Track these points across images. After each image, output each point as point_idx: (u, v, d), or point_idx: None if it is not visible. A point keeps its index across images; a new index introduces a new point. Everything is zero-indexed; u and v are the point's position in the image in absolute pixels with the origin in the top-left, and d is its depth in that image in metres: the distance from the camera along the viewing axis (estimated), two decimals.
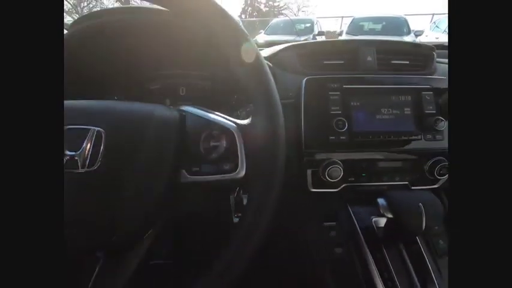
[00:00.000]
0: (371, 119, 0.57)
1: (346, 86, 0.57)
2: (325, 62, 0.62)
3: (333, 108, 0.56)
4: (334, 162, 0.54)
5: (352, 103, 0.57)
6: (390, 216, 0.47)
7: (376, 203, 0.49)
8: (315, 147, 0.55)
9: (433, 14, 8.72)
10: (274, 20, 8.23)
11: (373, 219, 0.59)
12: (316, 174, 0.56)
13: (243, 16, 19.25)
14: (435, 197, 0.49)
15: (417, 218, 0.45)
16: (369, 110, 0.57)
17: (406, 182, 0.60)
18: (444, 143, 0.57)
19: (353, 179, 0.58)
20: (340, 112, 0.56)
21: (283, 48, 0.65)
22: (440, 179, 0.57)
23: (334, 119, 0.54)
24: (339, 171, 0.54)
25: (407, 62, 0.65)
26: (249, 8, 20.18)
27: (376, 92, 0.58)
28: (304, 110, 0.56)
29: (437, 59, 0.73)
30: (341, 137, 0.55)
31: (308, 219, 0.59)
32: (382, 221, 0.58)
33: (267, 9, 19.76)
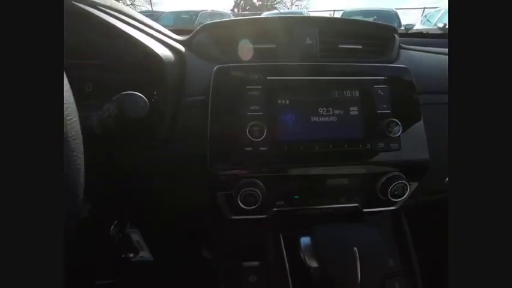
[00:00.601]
0: (304, 123, 0.42)
1: (271, 78, 0.42)
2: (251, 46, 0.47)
3: (251, 108, 0.41)
4: (251, 184, 0.40)
5: (278, 101, 0.42)
6: (315, 265, 0.32)
7: (298, 245, 0.34)
8: (224, 163, 0.40)
9: (424, 8, 8.60)
10: (264, 14, 8.01)
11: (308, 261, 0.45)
12: (230, 197, 0.41)
13: (235, 10, 18.83)
14: (379, 236, 0.35)
15: (350, 271, 0.31)
16: (301, 111, 0.42)
17: (356, 204, 0.46)
18: (401, 154, 0.43)
19: (282, 202, 0.44)
20: (260, 114, 0.41)
21: (199, 29, 0.50)
22: (396, 201, 0.43)
23: (249, 123, 0.39)
24: (256, 196, 0.39)
25: (360, 47, 0.50)
26: (242, 2, 19.73)
27: (313, 85, 0.44)
28: (211, 110, 0.41)
29: (405, 45, 0.58)
30: (261, 148, 0.40)
31: (223, 255, 0.45)
32: None
33: (260, 3, 19.34)
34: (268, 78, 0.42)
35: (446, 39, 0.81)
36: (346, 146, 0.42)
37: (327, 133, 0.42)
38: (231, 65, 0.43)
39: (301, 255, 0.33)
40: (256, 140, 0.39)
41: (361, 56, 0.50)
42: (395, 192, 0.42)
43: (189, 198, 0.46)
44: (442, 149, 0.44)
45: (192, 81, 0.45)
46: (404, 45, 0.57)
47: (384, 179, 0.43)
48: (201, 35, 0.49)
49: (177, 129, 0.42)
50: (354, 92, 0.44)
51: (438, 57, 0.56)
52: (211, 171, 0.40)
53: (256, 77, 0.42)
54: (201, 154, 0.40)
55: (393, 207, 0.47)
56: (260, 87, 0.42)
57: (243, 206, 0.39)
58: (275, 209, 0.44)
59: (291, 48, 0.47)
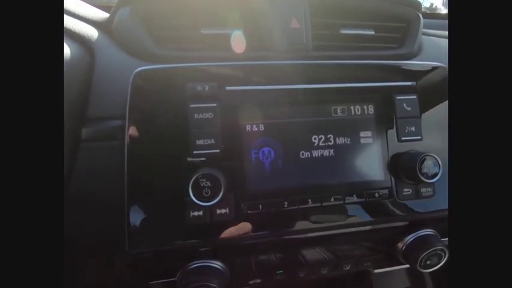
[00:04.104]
0: (289, 162, 0.26)
1: (233, 89, 0.25)
2: (203, 32, 0.29)
3: (198, 143, 0.24)
4: (203, 270, 0.24)
5: (246, 128, 0.25)
6: None
7: None
8: (153, 241, 0.23)
9: None
10: None
11: None
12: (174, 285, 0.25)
13: None
14: None
15: None
16: (284, 143, 0.26)
17: (365, 268, 0.32)
18: (436, 203, 0.28)
19: (259, 281, 0.29)
20: (215, 152, 0.24)
21: (120, 1, 0.30)
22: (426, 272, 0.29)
23: (194, 175, 0.22)
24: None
25: (372, 33, 0.33)
26: None
27: (302, 99, 0.27)
28: (128, 149, 0.24)
29: (427, 30, 0.42)
30: (218, 211, 0.24)
31: None
32: None
33: None
34: (228, 89, 0.25)
35: None
36: (355, 196, 0.26)
37: (325, 176, 0.26)
38: (160, 66, 0.25)
39: None
40: (206, 204, 0.22)
41: (372, 48, 0.33)
42: (428, 262, 0.28)
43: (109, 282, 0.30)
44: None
45: (103, 93, 0.26)
46: (427, 30, 0.41)
47: (409, 240, 0.28)
48: (123, 12, 0.30)
49: (76, 175, 0.25)
50: (366, 107, 0.28)
51: None
52: (133, 255, 0.23)
53: (207, 87, 0.25)
54: (116, 220, 0.24)
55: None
56: (215, 105, 0.25)
57: None
58: None
59: (267, 35, 0.30)
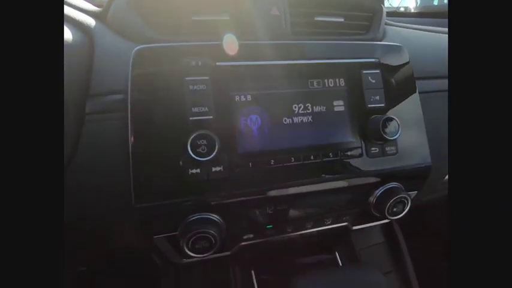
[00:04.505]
0: (274, 128, 0.30)
1: (223, 64, 0.29)
2: (194, 19, 0.33)
3: (194, 110, 0.28)
4: (203, 222, 0.27)
5: (235, 98, 0.29)
6: None
7: None
8: (157, 195, 0.27)
9: None
10: None
11: None
12: (176, 239, 0.29)
13: None
14: (382, 277, 0.26)
15: None
16: (269, 110, 0.30)
17: (345, 223, 0.36)
18: (398, 160, 0.33)
19: (251, 235, 0.32)
20: (209, 118, 0.28)
21: None
22: (397, 218, 0.34)
23: (192, 134, 0.26)
24: (210, 239, 0.27)
25: (342, 20, 0.38)
26: None
27: (284, 73, 0.31)
28: (132, 117, 0.27)
29: (390, 21, 0.48)
30: (214, 169, 0.27)
31: None
32: None
33: None
34: (218, 64, 0.29)
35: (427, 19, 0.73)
36: (331, 154, 0.31)
37: (305, 139, 0.31)
38: (158, 45, 0.29)
39: None
40: (203, 159, 0.26)
41: (343, 33, 0.38)
42: (394, 209, 0.33)
43: (119, 243, 0.32)
44: (441, 146, 0.36)
45: (104, 72, 0.29)
46: (390, 21, 0.47)
47: (378, 192, 0.33)
48: (118, 2, 0.33)
49: (82, 146, 0.27)
50: (338, 80, 0.32)
51: (429, 35, 0.47)
52: (139, 210, 0.26)
53: (200, 62, 0.28)
54: (122, 182, 0.27)
55: (387, 220, 0.38)
56: (207, 78, 0.28)
57: (193, 254, 0.27)
58: (242, 244, 0.33)
59: (251, 21, 0.34)
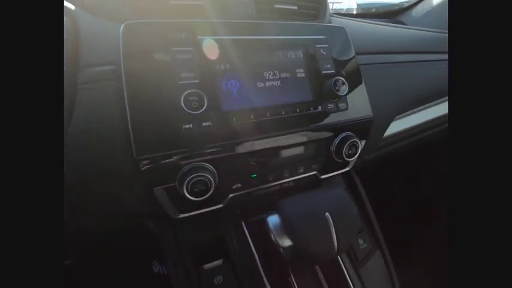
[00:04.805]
0: (250, 90, 0.36)
1: (202, 38, 0.35)
2: (172, 3, 0.38)
3: (182, 75, 0.32)
4: (198, 169, 0.32)
5: (216, 66, 0.35)
6: (287, 243, 0.28)
7: (267, 226, 0.29)
8: (157, 148, 0.30)
9: None
10: None
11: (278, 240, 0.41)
12: (174, 191, 0.32)
13: None
14: (345, 194, 0.33)
15: (325, 240, 0.27)
16: (245, 76, 0.36)
17: (314, 172, 0.44)
18: (349, 113, 0.42)
19: (239, 185, 0.38)
20: (196, 82, 0.33)
21: None
22: (350, 161, 0.43)
23: (184, 92, 0.31)
24: (207, 183, 0.31)
25: (296, 8, 0.47)
26: None
27: (255, 46, 0.38)
28: (127, 82, 0.30)
29: (335, 14, 0.59)
30: (204, 123, 0.32)
31: (175, 263, 0.36)
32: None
33: None
34: (199, 37, 0.34)
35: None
36: (298, 110, 0.38)
37: (276, 98, 0.38)
38: (145, 20, 0.33)
39: (272, 236, 0.28)
40: (195, 112, 0.31)
41: (297, 19, 0.47)
42: (349, 151, 0.41)
43: (118, 204, 0.35)
44: (377, 107, 0.46)
45: (91, 47, 0.32)
46: (334, 15, 0.58)
47: (337, 140, 0.42)
48: None
49: (79, 113, 0.30)
50: (297, 52, 0.40)
51: (365, 24, 0.59)
52: (141, 161, 0.30)
53: (183, 36, 0.33)
54: (119, 142, 0.30)
55: (347, 169, 0.47)
56: (191, 49, 0.33)
57: (191, 198, 0.31)
58: (231, 195, 0.38)
59: (224, 6, 0.40)
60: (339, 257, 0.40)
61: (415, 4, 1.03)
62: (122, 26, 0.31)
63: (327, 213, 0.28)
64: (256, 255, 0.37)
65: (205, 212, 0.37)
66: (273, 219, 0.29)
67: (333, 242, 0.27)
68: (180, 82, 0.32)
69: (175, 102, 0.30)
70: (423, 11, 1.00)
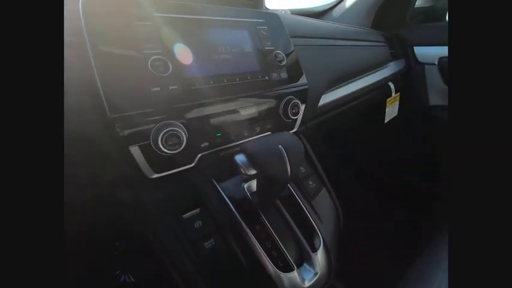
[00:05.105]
0: (206, 60, 0.42)
1: (160, 15, 0.39)
2: None
3: (146, 46, 0.36)
4: (169, 125, 0.36)
5: (174, 39, 0.40)
6: (254, 171, 0.35)
7: (236, 164, 0.36)
8: (130, 107, 0.34)
9: None
10: None
11: (245, 186, 0.48)
12: (148, 149, 0.36)
13: None
14: (292, 134, 0.43)
15: (281, 165, 0.35)
16: (201, 48, 0.42)
17: (269, 132, 0.52)
18: (289, 82, 0.53)
19: (207, 143, 0.43)
20: (160, 51, 0.37)
21: None
22: (295, 119, 0.54)
23: (150, 58, 0.35)
24: (179, 136, 0.36)
25: None
26: None
27: (209, 25, 0.45)
28: (93, 51, 0.33)
29: (270, 9, 0.70)
30: (170, 87, 0.37)
31: (157, 217, 0.39)
32: (254, 184, 0.48)
33: None
34: (155, 14, 0.39)
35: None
36: (249, 77, 0.46)
37: (231, 68, 0.45)
38: None
39: (241, 170, 0.35)
40: (162, 75, 0.35)
41: (238, 4, 0.55)
42: (293, 111, 0.51)
43: (91, 172, 0.36)
44: (310, 80, 0.58)
45: None
46: (270, 9, 0.69)
47: (282, 103, 0.51)
48: None
49: None
50: (243, 32, 0.49)
51: (296, 16, 0.72)
52: (114, 119, 0.33)
53: (141, 12, 0.38)
54: (90, 104, 0.32)
55: (295, 129, 0.57)
56: (150, 23, 0.38)
57: (167, 151, 0.35)
58: (201, 154, 0.43)
59: None
60: (295, 194, 0.49)
61: (333, 7, 1.26)
62: (80, 1, 0.34)
63: (280, 146, 0.36)
64: (229, 202, 0.43)
65: (178, 172, 0.41)
66: (240, 157, 0.36)
67: (287, 166, 0.36)
68: (144, 51, 0.36)
69: (143, 66, 0.34)
70: (339, 13, 1.23)
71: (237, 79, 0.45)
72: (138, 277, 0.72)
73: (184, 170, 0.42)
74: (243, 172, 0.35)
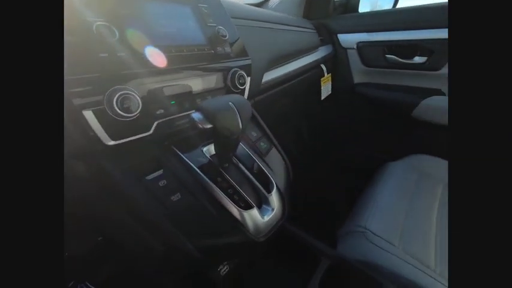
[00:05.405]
0: (152, 31, 0.45)
1: None
2: None
3: (89, 13, 0.37)
4: (123, 88, 0.38)
5: (120, 10, 0.41)
6: (209, 125, 0.40)
7: (193, 120, 0.40)
8: (79, 71, 0.34)
9: None
10: None
11: (204, 149, 0.52)
12: (104, 115, 0.37)
13: None
14: (241, 96, 0.49)
15: (233, 118, 0.41)
16: (146, 20, 0.44)
17: None
18: (234, 56, 0.59)
19: (162, 111, 0.46)
20: (104, 19, 0.38)
21: None
22: (243, 89, 0.60)
23: (95, 23, 0.36)
24: (134, 100, 0.38)
25: None
26: None
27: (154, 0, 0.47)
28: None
29: None
30: (118, 54, 0.39)
31: (120, 182, 0.40)
32: (211, 148, 0.53)
33: None
34: None
35: None
36: (196, 50, 0.51)
37: (179, 40, 0.48)
38: None
39: (198, 125, 0.39)
40: (109, 40, 0.37)
41: None
42: (240, 81, 0.58)
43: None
44: (253, 59, 0.65)
45: None
46: None
47: (230, 74, 0.57)
48: None
49: None
50: (186, 8, 0.52)
51: (233, 1, 0.78)
52: (67, 82, 0.33)
53: None
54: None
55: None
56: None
57: (122, 113, 0.37)
58: (157, 122, 0.45)
59: None
60: (249, 152, 0.56)
61: (267, 0, 1.37)
62: None
63: (230, 103, 0.42)
64: (191, 163, 0.47)
65: (137, 141, 0.43)
66: (196, 114, 0.40)
67: (238, 119, 0.42)
68: (88, 19, 0.37)
69: (87, 31, 0.35)
70: (274, 4, 1.35)
71: (185, 50, 0.48)
72: (97, 283, 0.69)
73: (143, 137, 0.44)
74: (200, 127, 0.40)
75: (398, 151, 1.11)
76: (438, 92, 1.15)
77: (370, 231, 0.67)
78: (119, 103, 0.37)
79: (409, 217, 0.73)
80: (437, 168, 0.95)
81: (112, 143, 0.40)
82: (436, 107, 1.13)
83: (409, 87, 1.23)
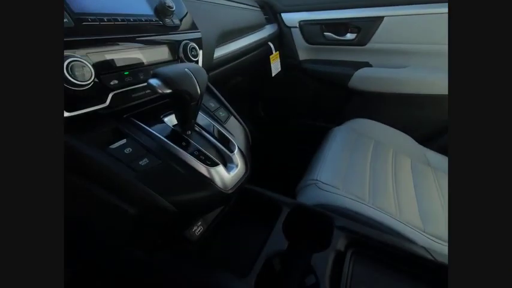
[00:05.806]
0: (98, 1, 0.44)
1: None
2: None
3: None
4: (73, 56, 0.37)
5: None
6: (169, 91, 0.42)
7: (150, 85, 0.42)
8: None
9: None
10: None
11: (166, 119, 0.54)
12: None
13: None
14: (195, 63, 0.52)
15: (191, 82, 0.44)
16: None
17: None
18: (183, 28, 0.60)
19: (116, 81, 0.46)
20: None
21: None
22: (196, 61, 0.62)
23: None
24: (87, 66, 0.38)
25: None
26: None
27: None
28: None
29: None
30: (85, 23, 0.38)
31: (83, 153, 0.40)
32: (173, 118, 0.55)
33: None
34: None
35: None
36: (143, 19, 0.51)
37: (123, 9, 0.48)
38: None
39: (158, 90, 0.41)
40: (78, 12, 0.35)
41: None
42: (192, 53, 0.60)
43: None
44: (204, 33, 0.67)
45: None
46: None
47: (181, 46, 0.58)
48: None
49: None
50: None
51: None
52: None
53: None
54: None
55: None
56: None
57: (75, 81, 0.37)
58: (112, 93, 0.45)
59: None
60: (209, 120, 0.60)
61: None
62: None
63: (186, 69, 0.45)
64: (153, 131, 0.49)
65: (94, 113, 0.43)
66: (153, 80, 0.42)
67: (195, 83, 0.45)
68: None
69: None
70: None
71: (131, 19, 0.48)
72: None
73: (99, 110, 0.44)
74: (160, 91, 0.42)
75: (341, 117, 1.29)
76: (367, 65, 1.35)
77: (321, 181, 0.80)
78: (69, 70, 0.36)
79: (349, 167, 0.89)
80: (371, 128, 1.15)
81: (67, 114, 0.39)
82: (366, 77, 1.33)
83: (344, 61, 1.40)
